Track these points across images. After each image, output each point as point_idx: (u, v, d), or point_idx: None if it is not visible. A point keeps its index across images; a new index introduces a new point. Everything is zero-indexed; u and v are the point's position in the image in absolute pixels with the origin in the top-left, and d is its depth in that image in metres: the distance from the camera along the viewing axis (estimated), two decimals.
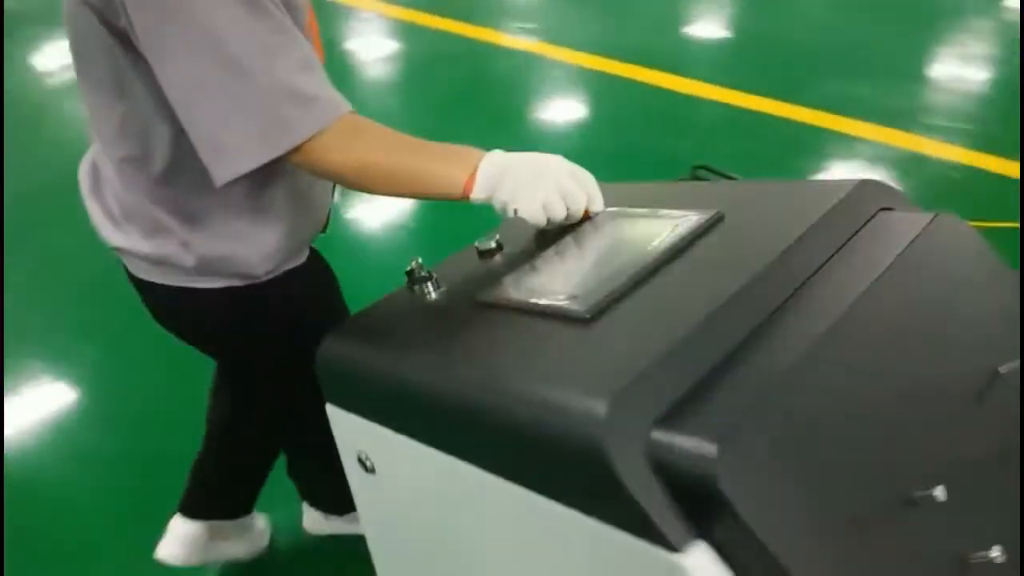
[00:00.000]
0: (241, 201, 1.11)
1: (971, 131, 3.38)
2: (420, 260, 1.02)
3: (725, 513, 0.61)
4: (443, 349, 0.87)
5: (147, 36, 0.93)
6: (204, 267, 1.15)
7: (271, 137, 0.95)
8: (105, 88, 1.04)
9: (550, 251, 0.99)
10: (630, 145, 3.44)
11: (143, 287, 1.22)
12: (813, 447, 0.66)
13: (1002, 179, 3.05)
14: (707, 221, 0.92)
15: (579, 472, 0.68)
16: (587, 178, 1.02)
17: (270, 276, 1.19)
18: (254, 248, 1.14)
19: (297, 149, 0.96)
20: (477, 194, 0.99)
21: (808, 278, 0.80)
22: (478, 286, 0.97)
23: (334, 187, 1.33)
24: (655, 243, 0.91)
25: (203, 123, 0.96)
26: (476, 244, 1.07)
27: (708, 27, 4.77)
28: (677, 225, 0.94)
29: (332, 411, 1.02)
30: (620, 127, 3.68)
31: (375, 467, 1.00)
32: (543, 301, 0.86)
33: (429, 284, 1.00)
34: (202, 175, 1.00)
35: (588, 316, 0.80)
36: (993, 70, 3.92)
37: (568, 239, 1.00)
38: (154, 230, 1.13)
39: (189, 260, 1.13)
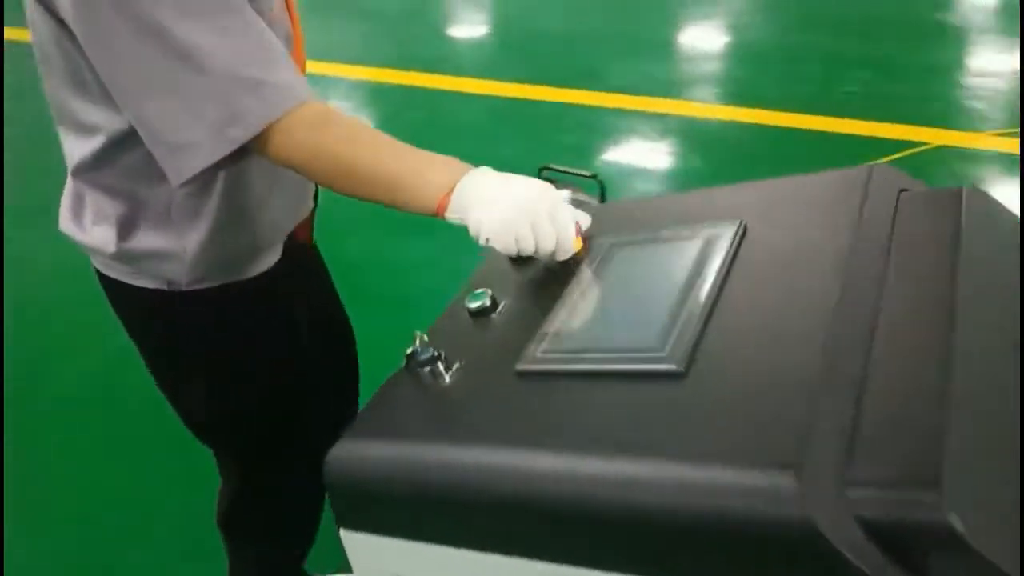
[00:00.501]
0: (177, 199, 1.02)
1: (741, 91, 3.66)
2: (424, 336, 0.87)
3: (964, 560, 0.55)
4: (512, 438, 0.73)
5: (85, 25, 0.86)
6: (127, 261, 1.07)
7: (225, 129, 0.87)
8: (60, 84, 0.97)
9: (572, 297, 0.87)
10: (468, 155, 3.36)
11: (96, 275, 1.15)
12: (1002, 457, 0.62)
13: (780, 129, 3.32)
14: (735, 235, 0.86)
15: (779, 557, 0.58)
16: (565, 222, 0.91)
17: (196, 287, 1.09)
18: (179, 251, 1.05)
19: (256, 139, 0.88)
20: (451, 214, 0.89)
21: (885, 278, 0.76)
22: (504, 355, 0.83)
23: (317, 193, 1.22)
24: (692, 269, 0.83)
25: (152, 120, 0.89)
26: (465, 304, 0.94)
27: (479, 28, 4.80)
28: (704, 245, 0.86)
29: (349, 537, 0.85)
30: (445, 137, 3.59)
31: None
32: (612, 359, 0.75)
33: (439, 364, 0.86)
34: (139, 168, 0.97)
35: (681, 369, 0.71)
36: (742, 34, 4.27)
37: (587, 279, 0.90)
38: (93, 221, 1.06)
39: (111, 248, 1.05)
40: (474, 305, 0.93)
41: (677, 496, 0.62)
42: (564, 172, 3.14)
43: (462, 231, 0.91)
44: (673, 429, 0.66)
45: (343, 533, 0.85)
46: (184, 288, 1.08)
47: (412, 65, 4.16)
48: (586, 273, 0.91)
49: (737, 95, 3.63)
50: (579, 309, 0.85)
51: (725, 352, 0.72)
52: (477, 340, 0.89)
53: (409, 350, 0.87)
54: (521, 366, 0.80)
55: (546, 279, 0.94)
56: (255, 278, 1.13)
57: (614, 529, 0.66)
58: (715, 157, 3.22)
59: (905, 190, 0.88)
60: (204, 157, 0.88)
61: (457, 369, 0.85)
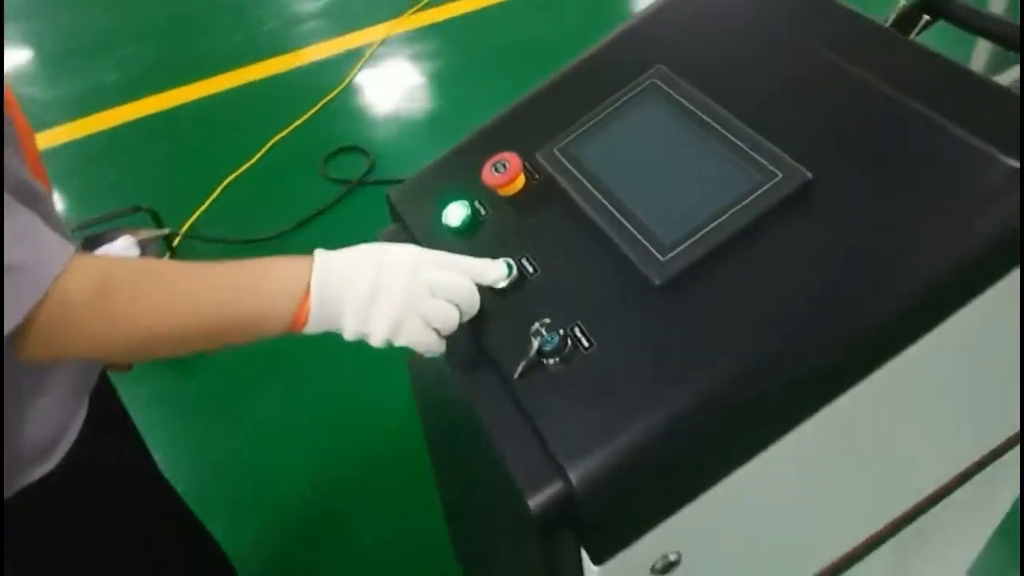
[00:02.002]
0: None
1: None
2: (546, 320, 0.73)
3: None
4: (746, 332, 0.69)
5: None
6: None
7: None
8: None
9: (607, 206, 0.80)
10: None
11: None
12: None
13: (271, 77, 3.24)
14: (673, 75, 0.87)
15: None
16: (452, 284, 0.76)
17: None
18: None
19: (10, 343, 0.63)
20: (315, 329, 0.73)
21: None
22: (615, 291, 0.76)
23: None
24: (682, 116, 0.83)
25: None
26: (491, 288, 0.80)
27: None
28: (658, 95, 0.86)
29: (611, 570, 0.72)
30: None
31: (681, 557, 0.77)
32: (743, 210, 0.74)
33: (569, 341, 0.74)
34: None
35: (811, 176, 0.73)
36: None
37: (591, 186, 0.83)
38: None
39: None
40: (505, 282, 0.80)
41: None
42: (105, 218, 2.67)
43: None
44: (887, 226, 0.70)
45: (598, 571, 0.72)
46: None
47: None
48: (580, 183, 0.83)
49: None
50: (641, 205, 0.79)
51: (818, 152, 0.75)
52: (561, 303, 0.78)
53: (532, 353, 0.73)
54: (659, 279, 0.74)
55: (535, 221, 0.85)
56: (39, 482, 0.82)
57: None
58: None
59: None
60: None
61: (583, 334, 0.75)
